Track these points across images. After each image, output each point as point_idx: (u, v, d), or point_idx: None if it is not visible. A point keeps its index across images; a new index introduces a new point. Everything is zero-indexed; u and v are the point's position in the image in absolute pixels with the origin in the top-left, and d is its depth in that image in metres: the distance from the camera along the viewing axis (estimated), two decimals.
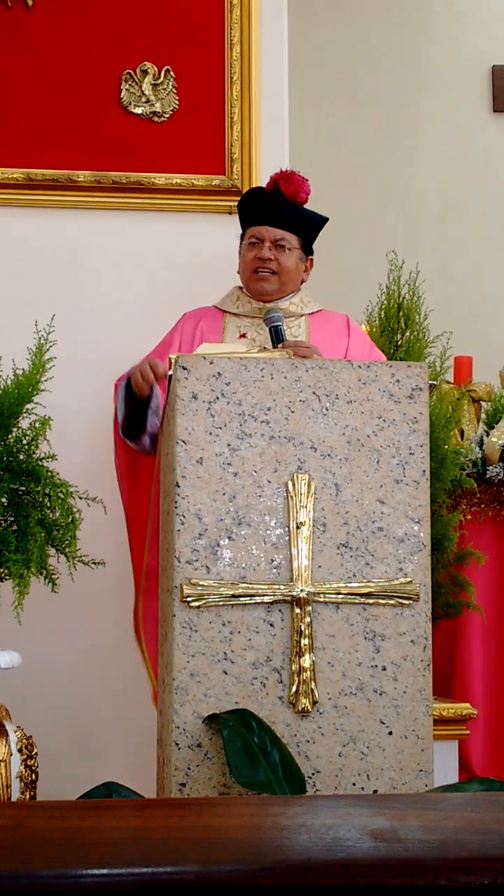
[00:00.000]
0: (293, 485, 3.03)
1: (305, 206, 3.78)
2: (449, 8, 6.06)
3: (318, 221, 3.82)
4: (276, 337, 3.57)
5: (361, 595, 3.03)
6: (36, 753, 3.29)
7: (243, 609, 2.99)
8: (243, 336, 3.73)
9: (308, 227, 3.79)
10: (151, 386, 3.56)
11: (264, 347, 3.60)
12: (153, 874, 1.15)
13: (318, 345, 3.58)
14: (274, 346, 3.53)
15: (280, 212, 3.72)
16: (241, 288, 3.83)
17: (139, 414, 3.63)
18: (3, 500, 3.28)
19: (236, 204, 3.88)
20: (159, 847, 1.20)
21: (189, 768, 2.93)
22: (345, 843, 1.22)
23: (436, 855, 1.17)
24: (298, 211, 3.78)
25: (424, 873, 1.15)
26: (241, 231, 3.83)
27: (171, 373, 3.14)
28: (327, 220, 3.83)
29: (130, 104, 4.25)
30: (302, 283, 3.83)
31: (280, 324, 3.59)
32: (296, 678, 2.98)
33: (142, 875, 1.15)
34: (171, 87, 4.26)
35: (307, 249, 3.80)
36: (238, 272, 3.82)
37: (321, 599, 3.01)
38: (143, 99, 4.25)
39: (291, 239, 3.74)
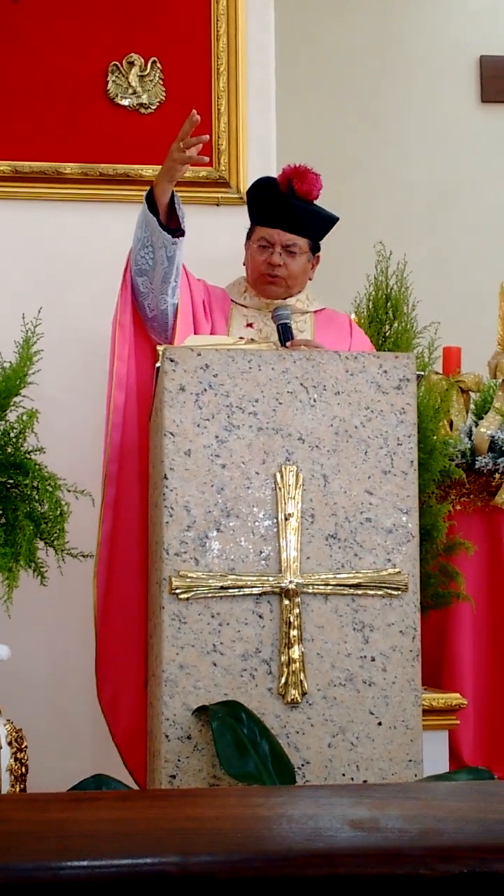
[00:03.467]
0: (281, 476, 3.03)
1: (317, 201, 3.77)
2: None
3: (330, 221, 3.78)
4: (285, 334, 3.55)
5: (350, 586, 3.03)
6: (26, 746, 3.29)
7: (232, 601, 2.99)
8: (250, 325, 3.72)
9: (319, 228, 3.76)
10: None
11: (267, 339, 3.59)
12: (133, 866, 1.15)
13: (323, 343, 3.57)
14: (283, 344, 3.51)
15: (292, 215, 3.68)
16: (245, 279, 3.81)
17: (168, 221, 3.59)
18: None
19: (246, 191, 3.86)
20: (139, 839, 1.20)
21: (179, 760, 2.94)
22: (325, 832, 1.22)
23: (415, 844, 1.18)
24: (310, 213, 3.73)
25: (404, 862, 1.15)
26: (249, 222, 3.81)
27: (158, 364, 3.14)
28: (338, 219, 3.79)
29: (117, 96, 4.24)
30: (308, 280, 3.82)
31: (288, 321, 3.58)
32: (285, 669, 2.98)
33: (122, 867, 1.15)
34: (157, 78, 4.25)
35: (315, 248, 3.78)
36: (244, 264, 3.81)
37: (310, 591, 3.01)
38: (130, 91, 4.25)
39: (301, 243, 3.71)
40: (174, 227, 3.57)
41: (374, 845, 1.18)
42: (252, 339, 3.58)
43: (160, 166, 3.57)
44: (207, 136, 3.45)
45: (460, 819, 1.26)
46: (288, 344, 3.49)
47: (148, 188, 3.62)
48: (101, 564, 3.54)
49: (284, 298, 3.74)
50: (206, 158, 3.51)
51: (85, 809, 1.32)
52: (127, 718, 3.54)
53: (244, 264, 3.81)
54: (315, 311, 3.79)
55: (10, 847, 1.16)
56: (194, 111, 3.43)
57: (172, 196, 3.57)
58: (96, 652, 3.55)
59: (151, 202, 3.57)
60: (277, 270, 3.70)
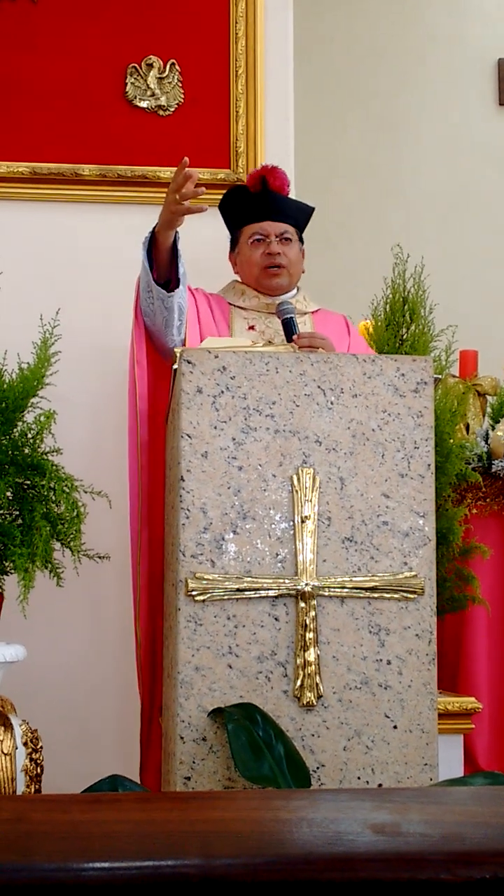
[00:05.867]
0: (298, 479, 3.03)
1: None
2: (454, 1, 6.06)
3: (309, 212, 3.86)
4: (290, 329, 3.56)
5: (366, 589, 3.03)
6: (41, 747, 3.29)
7: (248, 603, 2.99)
8: (251, 328, 3.72)
9: (302, 217, 3.82)
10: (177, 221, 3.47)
11: (270, 341, 3.59)
12: (154, 868, 1.15)
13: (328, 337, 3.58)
14: (288, 339, 3.52)
15: (277, 206, 3.73)
16: (240, 282, 3.82)
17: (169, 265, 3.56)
18: (9, 494, 3.29)
19: (219, 206, 3.82)
20: (160, 841, 1.20)
21: (194, 762, 2.94)
22: (346, 836, 1.22)
23: (437, 849, 1.17)
24: (292, 203, 3.80)
25: (426, 867, 1.15)
26: (231, 233, 3.81)
27: (175, 366, 3.14)
28: (314, 209, 3.86)
29: (136, 98, 4.25)
30: (302, 272, 3.84)
31: (293, 315, 3.59)
32: (300, 672, 2.98)
33: (143, 868, 1.15)
34: (176, 80, 4.26)
35: (301, 240, 3.82)
36: (235, 272, 3.81)
37: (326, 593, 3.01)
38: (149, 93, 4.25)
39: (292, 231, 3.76)
40: (173, 271, 3.53)
41: (396, 850, 1.18)
42: (269, 342, 3.58)
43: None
44: (204, 189, 3.40)
45: (482, 824, 1.26)
46: (294, 337, 3.49)
47: (149, 232, 3.55)
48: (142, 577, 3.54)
49: (285, 292, 3.76)
50: (205, 208, 3.45)
51: (106, 810, 1.32)
52: None
53: (236, 272, 3.81)
54: (313, 312, 3.81)
55: (32, 848, 1.16)
56: (186, 159, 3.39)
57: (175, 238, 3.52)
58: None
59: (151, 246, 3.52)
60: (278, 259, 3.71)
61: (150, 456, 3.61)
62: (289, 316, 3.57)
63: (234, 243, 3.82)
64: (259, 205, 3.73)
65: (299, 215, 3.80)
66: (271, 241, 3.72)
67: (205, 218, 3.55)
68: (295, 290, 3.81)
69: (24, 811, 1.27)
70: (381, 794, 1.63)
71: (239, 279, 3.84)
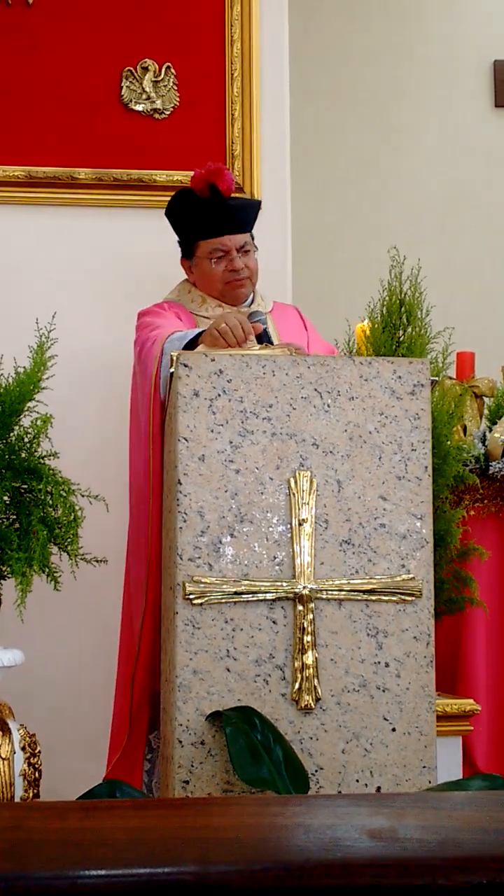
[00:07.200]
0: (295, 482, 3.03)
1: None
2: (450, 3, 6.06)
3: (257, 207, 3.84)
4: (264, 340, 3.56)
5: (364, 592, 3.02)
6: (39, 751, 3.29)
7: (246, 606, 2.99)
8: None
9: (255, 218, 3.79)
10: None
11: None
12: (151, 875, 1.15)
13: (287, 339, 3.60)
14: None
15: (232, 217, 3.68)
16: (196, 288, 3.78)
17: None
18: (6, 498, 3.28)
19: (166, 213, 3.78)
20: (157, 847, 1.20)
21: (192, 766, 2.94)
22: (343, 842, 1.21)
23: (434, 854, 1.17)
24: (243, 208, 3.76)
25: (423, 873, 1.15)
26: (183, 240, 3.75)
27: (172, 370, 3.14)
28: (261, 202, 3.89)
29: (131, 101, 4.24)
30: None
31: (266, 326, 3.60)
32: (298, 675, 2.98)
33: (139, 876, 1.15)
34: (171, 84, 4.26)
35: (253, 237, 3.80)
36: (192, 282, 3.78)
37: (324, 596, 3.01)
38: (144, 96, 4.25)
39: (249, 239, 3.74)
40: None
41: (393, 855, 1.17)
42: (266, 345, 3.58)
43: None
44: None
45: (479, 829, 1.26)
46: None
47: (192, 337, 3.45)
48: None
49: (250, 297, 3.74)
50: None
51: (103, 818, 1.32)
52: None
53: (191, 281, 3.77)
54: (270, 311, 3.81)
55: (29, 855, 1.16)
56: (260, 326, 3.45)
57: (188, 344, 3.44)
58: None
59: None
60: (242, 272, 3.70)
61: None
62: (263, 328, 3.58)
63: (188, 252, 3.78)
64: (215, 217, 3.68)
65: (252, 217, 3.77)
66: (233, 256, 3.70)
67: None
68: (252, 295, 3.80)
69: (21, 819, 1.27)
70: (379, 799, 1.63)
71: (192, 283, 3.80)
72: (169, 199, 3.82)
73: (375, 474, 3.06)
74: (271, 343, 3.57)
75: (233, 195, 3.76)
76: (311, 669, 2.98)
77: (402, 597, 3.04)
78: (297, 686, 2.98)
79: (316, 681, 2.99)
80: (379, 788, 2.99)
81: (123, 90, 4.24)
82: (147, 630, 3.44)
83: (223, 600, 2.98)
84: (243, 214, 3.74)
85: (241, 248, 3.71)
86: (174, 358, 3.13)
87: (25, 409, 3.38)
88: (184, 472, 3.00)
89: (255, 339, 3.50)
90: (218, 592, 2.97)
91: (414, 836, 1.22)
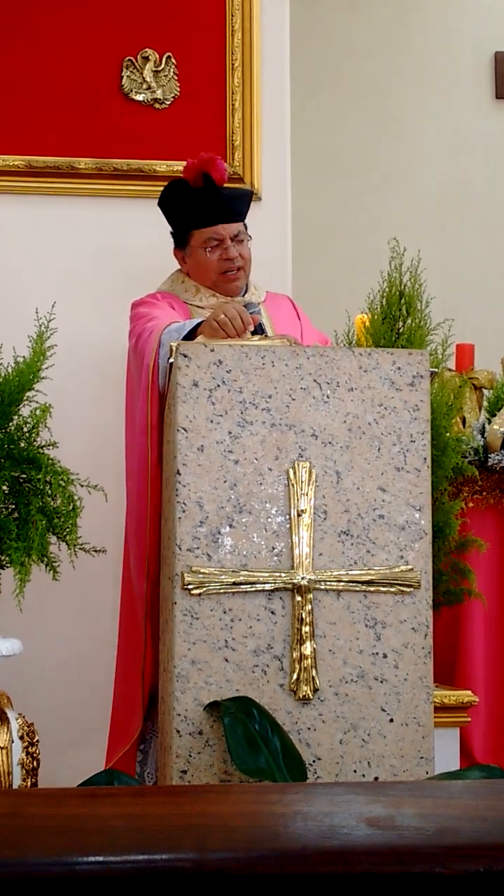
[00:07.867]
0: (294, 472, 3.03)
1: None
2: None
3: (250, 197, 3.85)
4: (259, 332, 3.56)
5: (362, 583, 3.03)
6: (37, 741, 3.29)
7: (244, 597, 2.99)
8: None
9: (247, 207, 3.80)
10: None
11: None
12: (149, 861, 1.15)
13: (281, 329, 3.59)
14: None
15: (226, 206, 3.69)
16: (189, 278, 3.77)
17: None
18: (4, 487, 3.28)
19: (159, 204, 3.79)
20: (155, 834, 1.20)
21: (190, 755, 2.94)
22: (341, 830, 1.22)
23: (432, 842, 1.17)
24: (237, 197, 3.77)
25: (420, 861, 1.15)
26: (176, 230, 3.76)
27: (171, 360, 3.14)
28: (252, 191, 3.91)
29: (132, 91, 4.24)
30: None
31: (261, 319, 3.60)
32: (297, 666, 2.98)
33: (137, 862, 1.15)
34: (172, 73, 4.25)
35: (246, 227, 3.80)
36: (184, 270, 3.78)
37: (322, 587, 3.01)
38: (145, 86, 4.24)
39: (243, 228, 3.74)
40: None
41: (390, 843, 1.18)
42: (265, 336, 3.58)
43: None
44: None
45: (476, 818, 1.26)
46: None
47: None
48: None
49: (245, 287, 3.75)
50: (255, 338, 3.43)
51: (101, 805, 1.33)
52: None
53: (185, 271, 3.78)
54: (263, 301, 3.81)
55: (27, 842, 1.16)
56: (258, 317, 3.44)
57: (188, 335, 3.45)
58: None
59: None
60: (237, 261, 3.70)
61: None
62: (260, 320, 3.58)
63: (181, 242, 3.78)
64: (209, 206, 3.68)
65: (245, 207, 3.78)
66: (227, 245, 3.70)
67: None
68: (246, 285, 3.81)
69: (19, 805, 1.28)
70: (376, 787, 1.64)
71: (185, 273, 3.80)
72: None
73: (374, 465, 3.06)
74: (265, 333, 3.57)
75: (231, 185, 3.76)
76: (310, 660, 2.98)
77: (401, 588, 3.04)
78: (295, 676, 2.98)
79: (314, 671, 2.99)
80: (377, 779, 3.00)
81: (124, 80, 4.23)
82: (151, 623, 3.45)
83: (222, 591, 2.98)
84: (237, 204, 3.75)
85: (236, 237, 3.72)
86: (174, 348, 3.13)
87: (24, 398, 3.38)
88: (183, 463, 3.00)
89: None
90: (216, 583, 2.97)
91: (411, 825, 1.22)
